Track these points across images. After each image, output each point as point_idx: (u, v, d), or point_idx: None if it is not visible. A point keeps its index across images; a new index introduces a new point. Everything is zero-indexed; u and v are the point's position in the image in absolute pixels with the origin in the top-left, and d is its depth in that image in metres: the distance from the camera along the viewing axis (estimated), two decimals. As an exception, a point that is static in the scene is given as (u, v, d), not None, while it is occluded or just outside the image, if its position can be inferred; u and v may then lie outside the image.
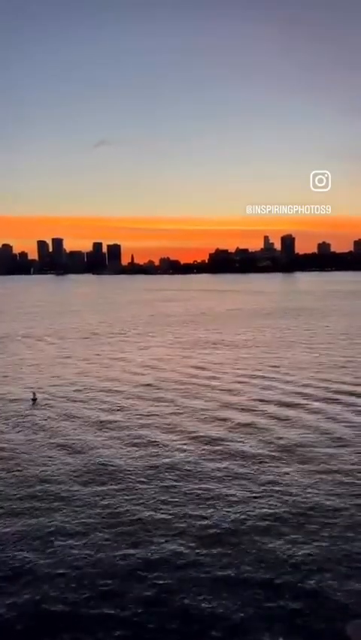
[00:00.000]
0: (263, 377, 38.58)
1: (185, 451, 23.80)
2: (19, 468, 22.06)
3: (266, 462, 22.23)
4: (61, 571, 14.58)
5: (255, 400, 32.27)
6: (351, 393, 33.17)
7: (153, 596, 13.50)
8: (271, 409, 30.17)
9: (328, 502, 18.37)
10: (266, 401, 31.81)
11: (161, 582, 14.02)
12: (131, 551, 15.52)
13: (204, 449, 23.88)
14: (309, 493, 19.17)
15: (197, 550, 15.48)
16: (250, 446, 24.15)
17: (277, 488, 19.56)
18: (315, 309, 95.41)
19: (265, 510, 17.89)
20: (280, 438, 25.23)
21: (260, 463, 22.13)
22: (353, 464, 21.88)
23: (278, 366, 42.40)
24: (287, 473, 21.00)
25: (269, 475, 20.84)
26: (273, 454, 23.13)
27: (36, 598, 13.44)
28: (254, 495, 19.03)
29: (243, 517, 17.43)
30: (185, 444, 24.71)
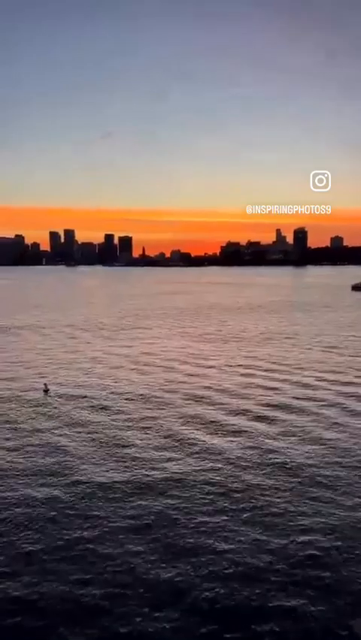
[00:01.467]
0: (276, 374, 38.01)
1: (201, 440, 23.34)
2: (30, 458, 21.78)
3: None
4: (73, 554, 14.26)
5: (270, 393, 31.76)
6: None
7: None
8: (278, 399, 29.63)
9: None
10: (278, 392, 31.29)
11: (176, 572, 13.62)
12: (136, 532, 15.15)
13: (224, 435, 23.43)
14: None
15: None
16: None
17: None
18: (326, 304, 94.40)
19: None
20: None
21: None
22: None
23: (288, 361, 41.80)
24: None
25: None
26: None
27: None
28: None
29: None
30: (203, 433, 24.25)
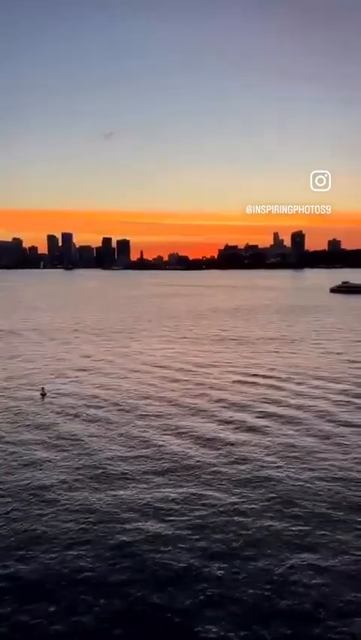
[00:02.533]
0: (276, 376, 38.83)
1: (190, 448, 24.11)
2: (27, 459, 22.52)
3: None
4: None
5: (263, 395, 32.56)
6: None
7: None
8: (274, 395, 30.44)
9: None
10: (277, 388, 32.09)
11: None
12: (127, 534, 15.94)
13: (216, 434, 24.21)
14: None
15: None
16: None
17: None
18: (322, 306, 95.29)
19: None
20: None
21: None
22: None
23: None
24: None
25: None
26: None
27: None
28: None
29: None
30: (192, 441, 25.04)
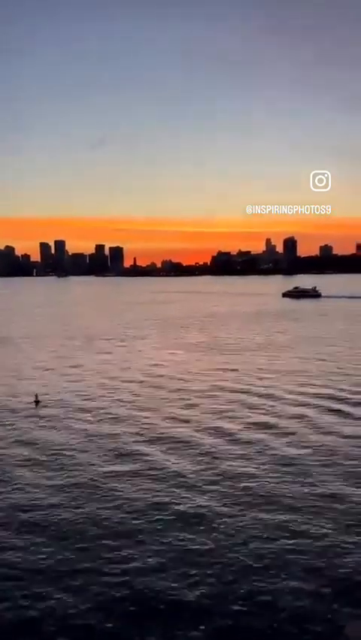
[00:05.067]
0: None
1: (185, 460, 24.53)
2: (19, 469, 22.82)
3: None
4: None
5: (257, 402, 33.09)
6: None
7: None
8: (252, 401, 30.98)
9: None
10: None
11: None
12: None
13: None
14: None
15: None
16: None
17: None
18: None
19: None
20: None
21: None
22: None
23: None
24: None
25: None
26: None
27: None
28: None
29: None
30: (184, 453, 25.45)
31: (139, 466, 22.91)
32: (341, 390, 35.75)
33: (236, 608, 13.45)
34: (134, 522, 17.83)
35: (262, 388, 36.60)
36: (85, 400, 34.74)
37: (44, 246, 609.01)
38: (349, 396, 34.19)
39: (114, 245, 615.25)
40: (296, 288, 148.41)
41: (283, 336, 65.09)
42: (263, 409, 31.62)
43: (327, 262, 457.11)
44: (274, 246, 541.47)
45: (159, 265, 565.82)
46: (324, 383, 38.14)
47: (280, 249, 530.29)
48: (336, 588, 14.17)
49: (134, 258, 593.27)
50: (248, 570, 15.01)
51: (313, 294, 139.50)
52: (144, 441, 26.23)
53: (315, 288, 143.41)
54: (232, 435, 26.97)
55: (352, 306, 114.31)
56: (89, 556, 15.85)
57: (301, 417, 29.79)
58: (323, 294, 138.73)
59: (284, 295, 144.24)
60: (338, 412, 30.81)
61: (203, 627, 12.82)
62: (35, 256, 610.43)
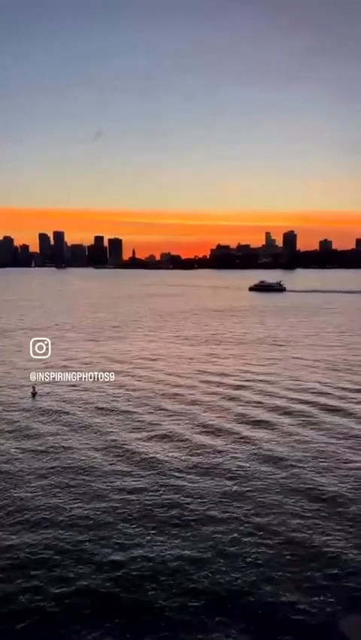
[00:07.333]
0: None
1: (180, 451, 24.37)
2: (15, 462, 22.63)
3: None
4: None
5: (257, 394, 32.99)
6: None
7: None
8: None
9: None
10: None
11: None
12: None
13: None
14: None
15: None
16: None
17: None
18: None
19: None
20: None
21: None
22: None
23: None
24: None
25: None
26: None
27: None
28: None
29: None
30: (179, 448, 25.30)
31: (132, 455, 22.83)
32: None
33: (236, 601, 13.35)
34: (128, 509, 17.72)
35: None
36: (82, 391, 34.52)
37: (43, 237, 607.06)
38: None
39: (113, 237, 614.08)
40: (262, 282, 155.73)
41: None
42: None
43: (327, 257, 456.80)
44: (274, 240, 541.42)
45: (158, 258, 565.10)
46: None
47: (279, 243, 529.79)
48: (331, 582, 14.07)
49: (133, 250, 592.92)
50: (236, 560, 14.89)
51: (277, 287, 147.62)
52: (133, 430, 26.09)
53: (280, 282, 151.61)
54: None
55: (312, 299, 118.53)
56: (86, 545, 15.71)
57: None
58: (287, 289, 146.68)
59: (251, 289, 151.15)
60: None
61: (199, 623, 12.67)
62: (34, 247, 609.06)
